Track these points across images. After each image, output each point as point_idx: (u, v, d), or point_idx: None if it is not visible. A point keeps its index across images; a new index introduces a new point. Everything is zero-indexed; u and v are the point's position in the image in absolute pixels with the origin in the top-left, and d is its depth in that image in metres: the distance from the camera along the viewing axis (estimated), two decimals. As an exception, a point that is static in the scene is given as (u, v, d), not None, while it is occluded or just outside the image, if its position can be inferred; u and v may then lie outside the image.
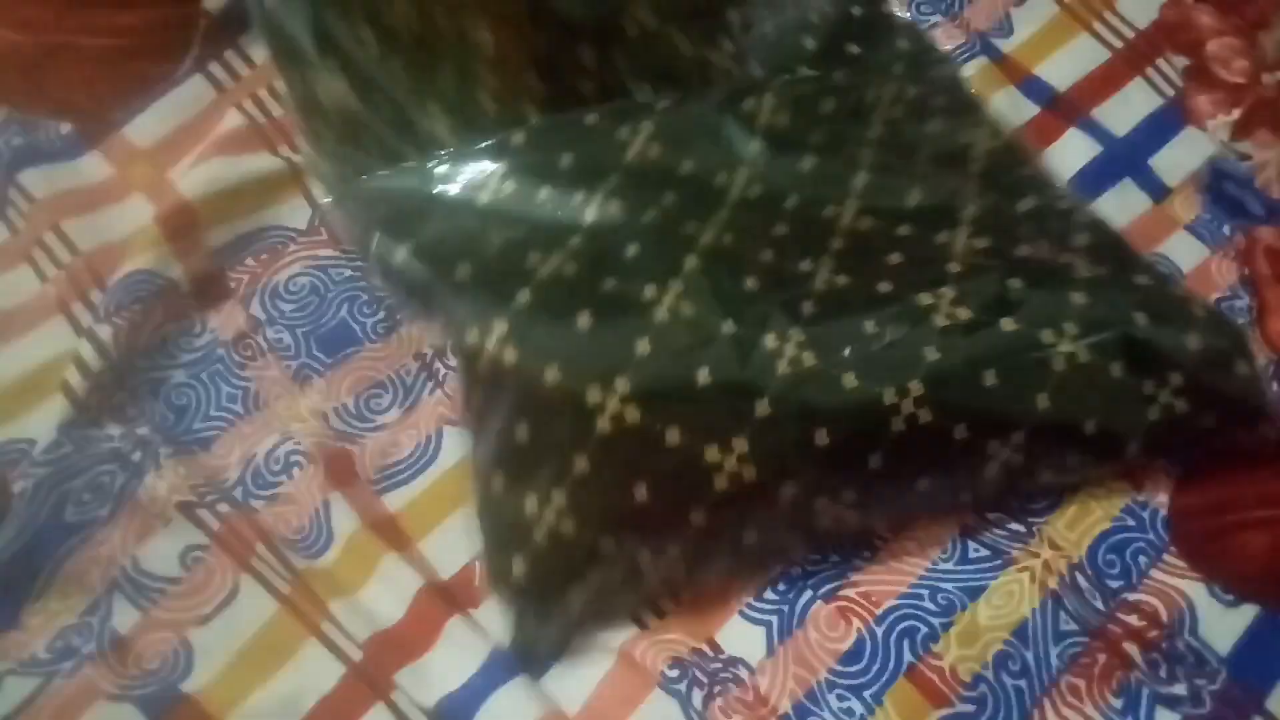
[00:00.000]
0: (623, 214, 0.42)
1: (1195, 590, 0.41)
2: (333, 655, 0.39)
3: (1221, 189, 0.51)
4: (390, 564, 0.40)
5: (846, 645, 0.39)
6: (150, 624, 0.39)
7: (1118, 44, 0.53)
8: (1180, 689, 0.39)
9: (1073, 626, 0.39)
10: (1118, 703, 0.38)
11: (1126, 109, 0.52)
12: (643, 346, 0.38)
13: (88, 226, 0.46)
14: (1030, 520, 0.42)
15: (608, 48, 0.48)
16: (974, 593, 0.40)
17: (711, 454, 0.37)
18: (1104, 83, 0.53)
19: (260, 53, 0.51)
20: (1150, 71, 0.53)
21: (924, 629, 0.39)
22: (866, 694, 0.38)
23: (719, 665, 0.39)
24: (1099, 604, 0.40)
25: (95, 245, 0.46)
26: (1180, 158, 0.51)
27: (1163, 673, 0.39)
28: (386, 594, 0.40)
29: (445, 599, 0.40)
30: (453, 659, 0.39)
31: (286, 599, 0.40)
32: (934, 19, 0.53)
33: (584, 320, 0.39)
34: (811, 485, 0.38)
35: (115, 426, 0.42)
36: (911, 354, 0.38)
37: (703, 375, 0.37)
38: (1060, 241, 0.43)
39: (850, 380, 0.37)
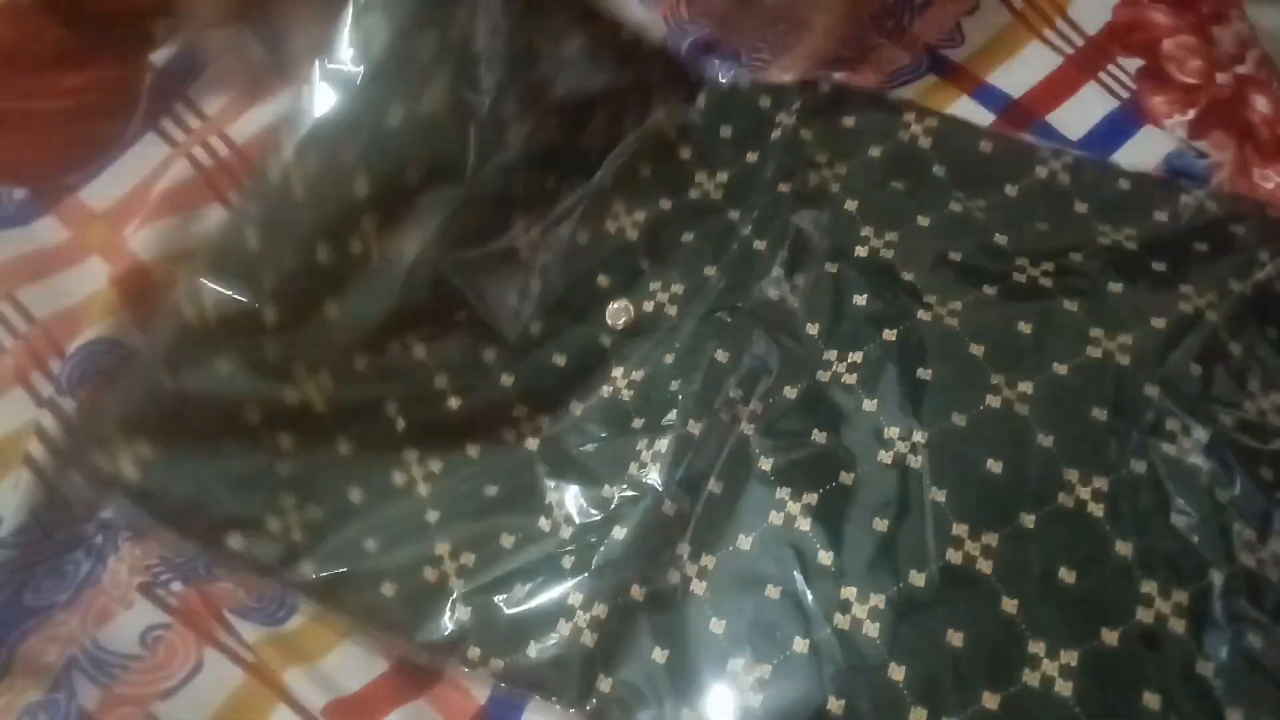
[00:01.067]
0: None
1: None
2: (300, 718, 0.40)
3: (1178, 187, 0.51)
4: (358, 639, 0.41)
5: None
6: (114, 699, 0.39)
7: (1069, 49, 0.53)
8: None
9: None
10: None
11: (1082, 112, 0.52)
12: None
13: (44, 293, 0.47)
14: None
15: None
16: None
17: None
18: (1057, 88, 0.52)
19: (211, 103, 0.51)
20: (1104, 75, 0.53)
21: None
22: None
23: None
24: None
25: (52, 312, 0.46)
26: (1137, 158, 0.51)
27: None
28: (350, 660, 0.41)
29: (414, 666, 0.41)
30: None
31: (252, 666, 0.40)
32: (879, 41, 0.53)
33: None
34: None
35: (81, 507, 0.42)
36: None
37: None
38: None
39: None
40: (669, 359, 0.45)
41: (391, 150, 0.45)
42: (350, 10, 0.46)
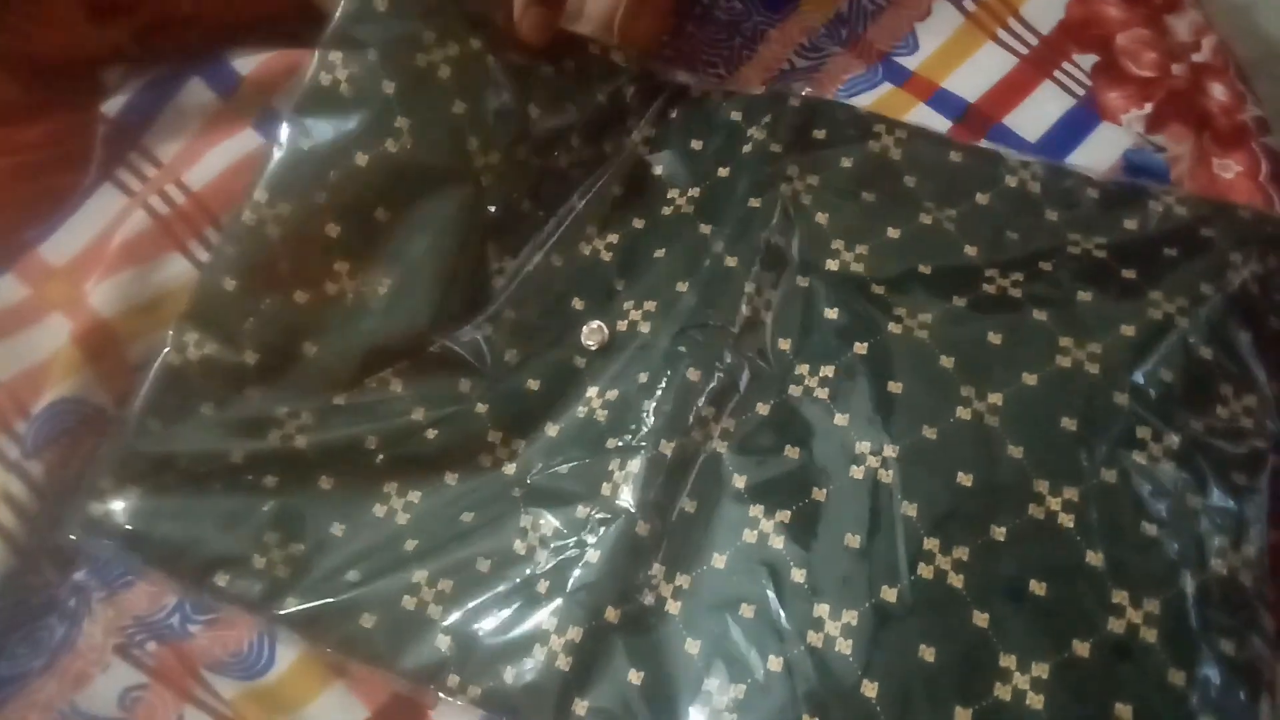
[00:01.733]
0: None
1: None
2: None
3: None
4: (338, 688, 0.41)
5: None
6: (95, 761, 0.40)
7: (1023, 50, 0.53)
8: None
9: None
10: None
11: (1038, 113, 0.52)
12: None
13: (6, 353, 0.46)
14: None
15: None
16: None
17: None
18: (1013, 90, 0.52)
19: (166, 149, 0.50)
20: (1059, 74, 0.53)
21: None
22: None
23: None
24: None
25: (15, 373, 0.46)
26: (1095, 156, 0.51)
27: None
28: (330, 710, 0.41)
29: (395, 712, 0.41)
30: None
31: None
32: (833, 51, 0.53)
33: None
34: None
35: (53, 571, 0.42)
36: None
37: None
38: None
39: None
40: (643, 378, 0.45)
41: (361, 190, 0.45)
42: (316, 52, 0.47)
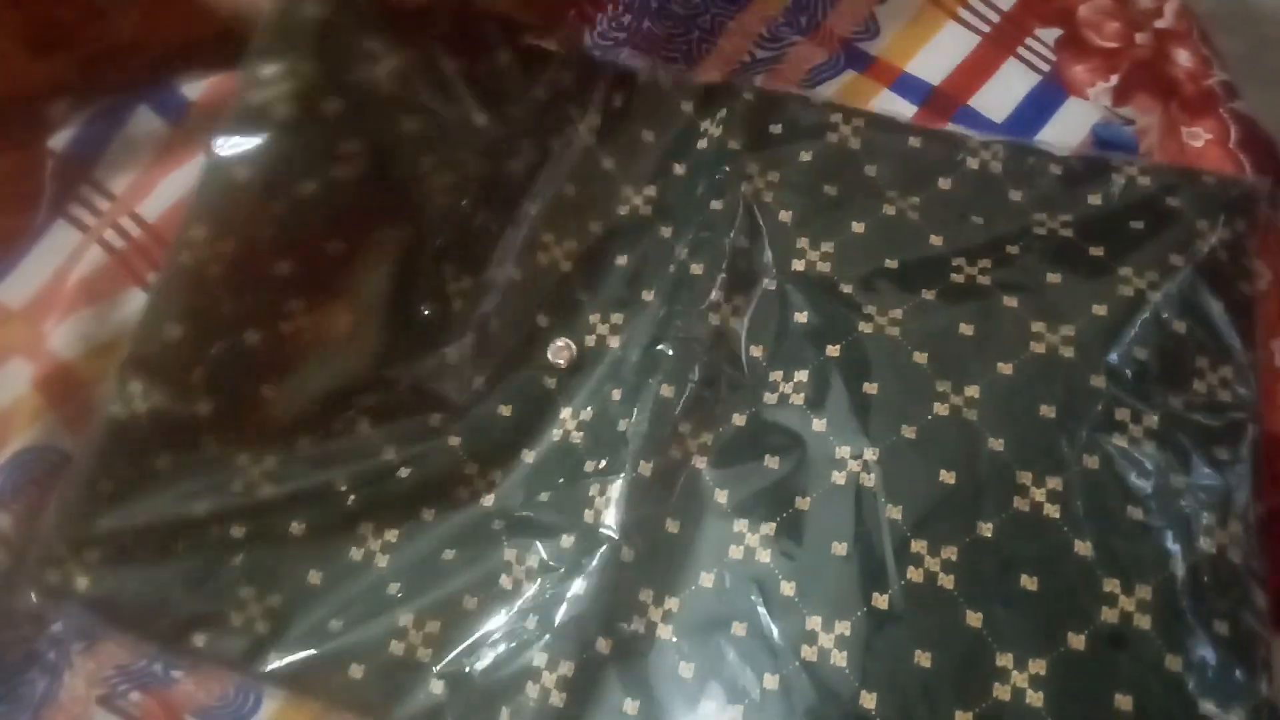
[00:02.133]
0: None
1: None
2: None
3: (1107, 156, 0.50)
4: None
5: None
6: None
7: (985, 28, 0.52)
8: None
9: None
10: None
11: (1004, 92, 0.51)
12: None
13: (-31, 401, 0.45)
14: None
15: None
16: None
17: None
18: (977, 70, 0.51)
19: (118, 181, 0.49)
20: (1022, 50, 0.52)
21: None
22: None
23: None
24: None
25: (-21, 422, 0.45)
26: (1064, 133, 0.50)
27: None
28: None
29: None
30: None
31: None
32: (793, 40, 0.52)
33: None
34: None
35: (29, 624, 0.41)
36: None
37: None
38: None
39: None
40: (616, 395, 0.44)
41: (310, 222, 0.44)
42: (243, 76, 0.45)
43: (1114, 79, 0.51)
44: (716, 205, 0.46)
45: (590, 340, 0.46)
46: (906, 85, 0.51)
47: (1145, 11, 0.53)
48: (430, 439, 0.44)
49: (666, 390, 0.43)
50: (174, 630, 0.40)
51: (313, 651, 0.40)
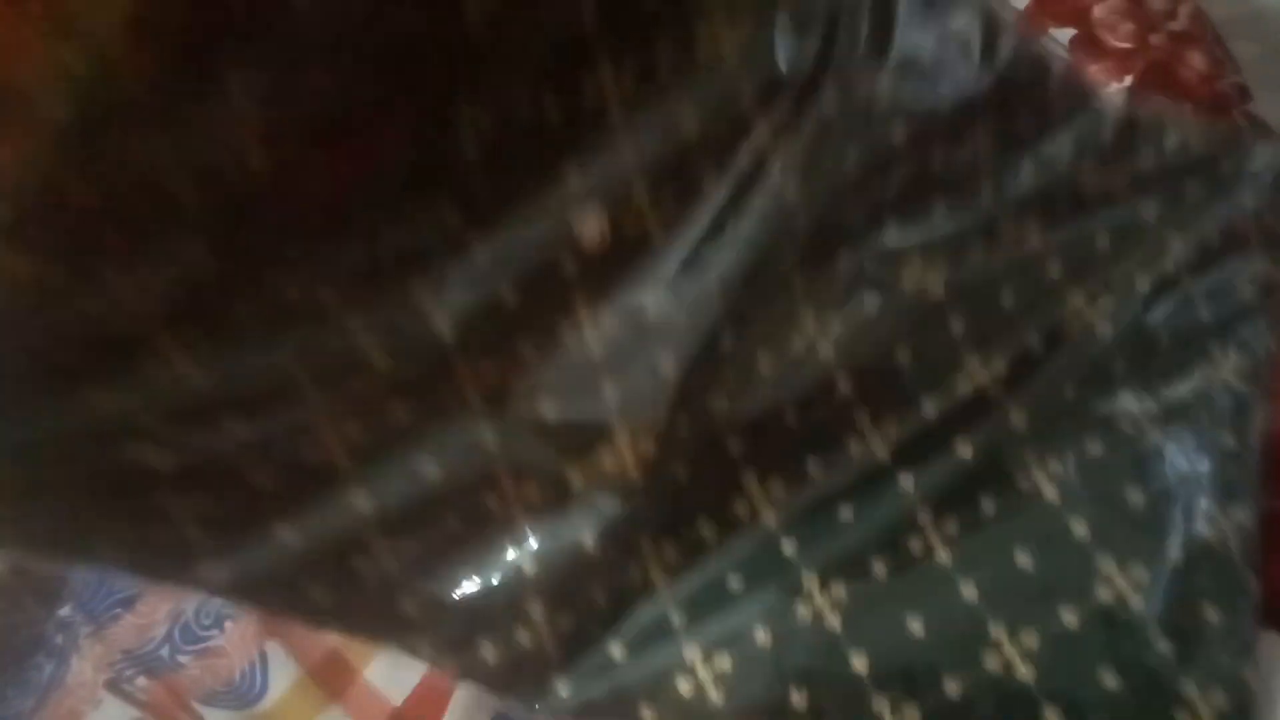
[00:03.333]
0: None
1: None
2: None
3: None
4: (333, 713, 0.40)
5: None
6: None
7: (1000, 27, 0.52)
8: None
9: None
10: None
11: (1018, 92, 0.51)
12: None
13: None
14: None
15: None
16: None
17: None
18: (992, 68, 0.51)
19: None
20: (1037, 50, 0.52)
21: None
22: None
23: None
24: None
25: None
26: (1078, 132, 0.50)
27: None
28: None
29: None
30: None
31: None
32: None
33: None
34: None
35: (37, 607, 0.41)
36: None
37: None
38: None
39: None
40: None
41: None
42: None
43: (1128, 79, 0.51)
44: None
45: None
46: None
47: (1159, 13, 0.53)
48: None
49: None
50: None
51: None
